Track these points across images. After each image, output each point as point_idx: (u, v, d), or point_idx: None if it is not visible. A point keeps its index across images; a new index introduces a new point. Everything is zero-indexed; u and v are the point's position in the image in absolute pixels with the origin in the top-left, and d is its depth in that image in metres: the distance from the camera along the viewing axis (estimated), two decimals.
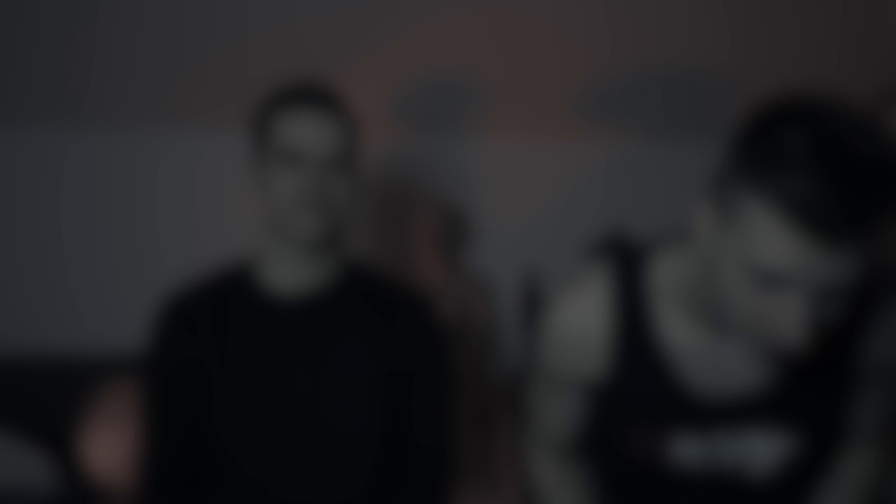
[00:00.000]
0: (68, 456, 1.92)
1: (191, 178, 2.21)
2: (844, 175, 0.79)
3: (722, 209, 0.89)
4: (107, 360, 2.13)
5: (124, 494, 1.87)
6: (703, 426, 1.05)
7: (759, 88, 2.27)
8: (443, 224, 2.21)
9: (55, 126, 2.13)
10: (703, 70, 2.21)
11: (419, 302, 1.35)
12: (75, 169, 2.16)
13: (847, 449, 1.15)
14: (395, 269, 2.31)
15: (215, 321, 1.31)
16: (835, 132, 0.81)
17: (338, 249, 1.33)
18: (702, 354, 1.03)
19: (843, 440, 1.11)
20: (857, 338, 1.03)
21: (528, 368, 1.24)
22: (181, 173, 2.20)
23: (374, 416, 1.29)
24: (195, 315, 1.31)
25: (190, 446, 1.31)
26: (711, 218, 0.91)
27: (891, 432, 1.17)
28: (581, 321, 1.07)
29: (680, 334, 1.03)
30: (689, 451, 1.07)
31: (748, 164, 0.84)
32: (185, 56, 2.03)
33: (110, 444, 1.87)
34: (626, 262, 1.07)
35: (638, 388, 1.05)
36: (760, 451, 1.06)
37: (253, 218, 2.24)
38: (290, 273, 1.29)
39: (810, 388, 1.04)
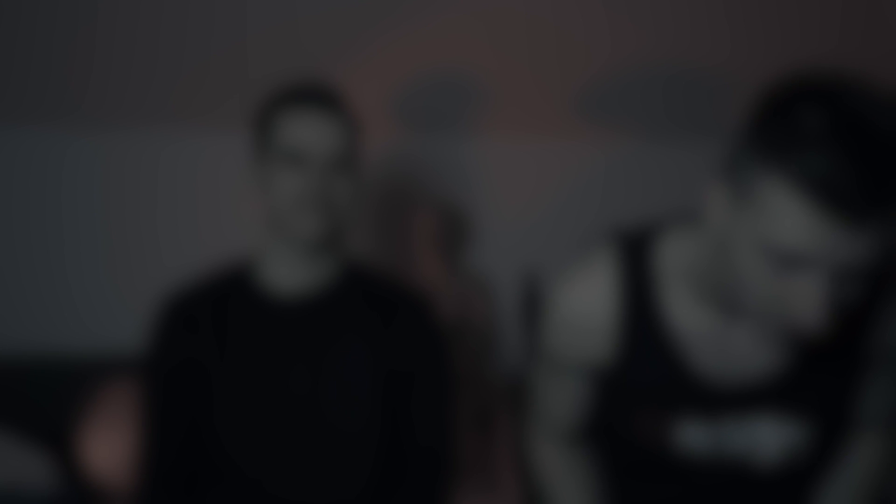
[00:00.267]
0: (68, 456, 1.92)
1: (191, 178, 2.21)
2: (864, 152, 0.77)
3: (736, 190, 0.87)
4: (107, 360, 2.13)
5: (124, 494, 1.87)
6: (709, 411, 1.04)
7: (759, 88, 2.27)
8: (443, 224, 2.21)
9: (55, 126, 2.13)
10: (703, 70, 2.21)
11: (419, 302, 1.35)
12: (75, 169, 2.16)
13: (855, 437, 1.13)
14: (395, 269, 2.31)
15: (215, 321, 1.31)
16: (854, 109, 0.80)
17: (338, 250, 1.33)
18: (710, 338, 1.01)
19: (851, 428, 1.09)
20: (870, 322, 1.02)
21: (528, 368, 1.23)
22: (181, 173, 2.20)
23: (373, 416, 1.29)
24: (195, 315, 1.31)
25: (189, 446, 1.31)
26: (724, 200, 0.89)
27: None
28: (586, 304, 1.05)
29: (688, 317, 1.02)
30: (695, 436, 1.05)
31: (765, 144, 0.83)
32: (185, 56, 2.03)
33: (110, 444, 1.87)
34: (633, 244, 1.05)
35: (644, 373, 1.03)
36: (768, 437, 1.04)
37: (253, 218, 2.24)
38: (290, 273, 1.29)
39: (820, 374, 1.02)
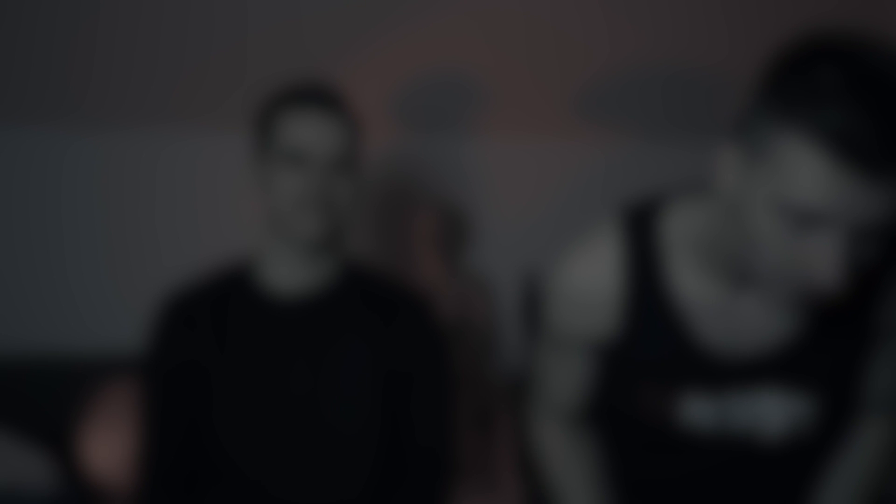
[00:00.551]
0: (68, 456, 1.92)
1: (191, 178, 2.21)
2: (883, 107, 0.78)
3: (750, 151, 0.87)
4: (107, 360, 2.13)
5: (124, 494, 1.87)
6: (715, 385, 1.03)
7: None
8: (443, 224, 2.21)
9: (55, 126, 2.13)
10: (702, 70, 2.21)
11: (418, 302, 1.35)
12: (75, 169, 2.16)
13: (862, 420, 1.12)
14: (395, 269, 2.31)
15: (215, 321, 1.31)
16: (872, 65, 0.80)
17: (338, 250, 1.33)
18: (716, 310, 1.00)
19: (858, 409, 1.08)
20: (881, 292, 1.01)
21: (528, 368, 1.23)
22: (181, 173, 2.20)
23: (373, 416, 1.29)
24: (195, 315, 1.31)
25: (189, 446, 1.31)
26: (737, 162, 0.89)
27: None
28: (591, 278, 1.04)
29: (694, 289, 1.00)
30: (699, 411, 1.04)
31: (782, 101, 0.83)
32: (185, 56, 2.03)
33: (110, 444, 1.87)
34: (638, 216, 1.04)
35: (649, 346, 1.02)
36: (773, 411, 1.03)
37: (253, 218, 2.24)
38: (290, 273, 1.30)
39: (828, 347, 1.01)
